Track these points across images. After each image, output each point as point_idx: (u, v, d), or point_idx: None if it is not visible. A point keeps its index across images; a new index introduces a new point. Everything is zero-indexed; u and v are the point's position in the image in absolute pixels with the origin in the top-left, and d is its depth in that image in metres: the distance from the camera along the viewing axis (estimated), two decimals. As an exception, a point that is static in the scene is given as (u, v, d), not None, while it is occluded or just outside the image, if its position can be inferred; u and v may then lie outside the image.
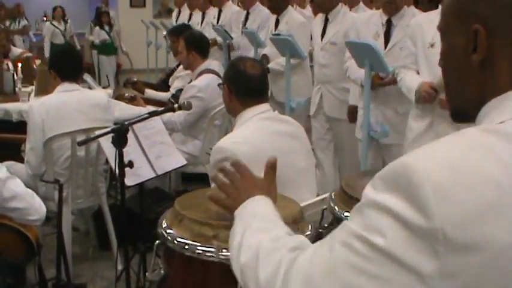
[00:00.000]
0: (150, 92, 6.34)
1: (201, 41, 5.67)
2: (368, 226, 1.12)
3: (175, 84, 6.31)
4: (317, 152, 5.66)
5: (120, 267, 4.09)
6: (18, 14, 14.47)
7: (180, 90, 5.79)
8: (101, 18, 13.39)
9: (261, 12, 7.86)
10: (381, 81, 4.59)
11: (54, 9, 13.92)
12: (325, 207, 2.55)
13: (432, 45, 3.93)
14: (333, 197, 2.49)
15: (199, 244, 1.80)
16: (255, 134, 3.06)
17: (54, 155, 4.42)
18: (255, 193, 1.65)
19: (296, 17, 6.52)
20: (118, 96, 5.89)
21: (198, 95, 5.24)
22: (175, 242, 1.84)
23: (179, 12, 11.26)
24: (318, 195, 3.06)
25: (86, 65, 13.76)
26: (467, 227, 1.03)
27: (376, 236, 1.09)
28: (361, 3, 7.50)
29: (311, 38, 6.20)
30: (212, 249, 1.78)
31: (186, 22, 10.04)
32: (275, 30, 6.59)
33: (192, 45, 5.50)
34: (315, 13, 6.45)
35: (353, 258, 1.12)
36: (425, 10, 4.75)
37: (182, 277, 1.87)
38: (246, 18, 8.01)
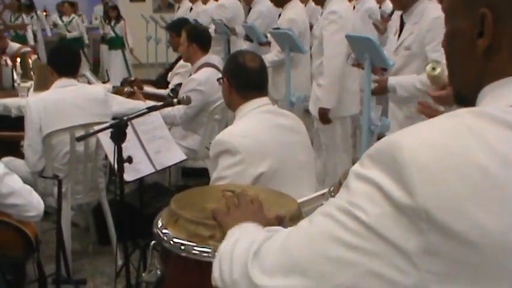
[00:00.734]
0: (148, 90, 6.34)
1: (203, 34, 5.66)
2: (353, 200, 1.11)
3: (174, 80, 6.29)
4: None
5: (120, 262, 4.09)
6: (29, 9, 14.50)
7: (179, 85, 5.77)
8: (109, 14, 13.40)
9: (263, 7, 7.86)
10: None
11: (62, 3, 13.97)
12: (323, 202, 2.53)
13: None
14: (331, 192, 2.47)
15: (195, 244, 1.78)
16: (255, 127, 3.06)
17: (53, 150, 4.41)
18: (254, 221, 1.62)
19: (287, 13, 6.45)
20: (117, 91, 5.88)
21: (198, 88, 5.22)
22: (171, 242, 1.83)
23: (179, 7, 11.30)
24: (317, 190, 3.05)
25: (94, 60, 13.83)
26: (450, 208, 1.03)
27: (360, 210, 1.09)
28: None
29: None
30: (208, 250, 1.76)
31: (186, 15, 10.06)
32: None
33: (194, 38, 5.49)
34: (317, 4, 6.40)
35: (334, 229, 1.12)
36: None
37: (178, 278, 1.85)
38: (249, 12, 8.04)
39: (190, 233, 1.81)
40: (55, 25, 15.00)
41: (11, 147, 4.86)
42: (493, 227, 1.03)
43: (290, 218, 1.87)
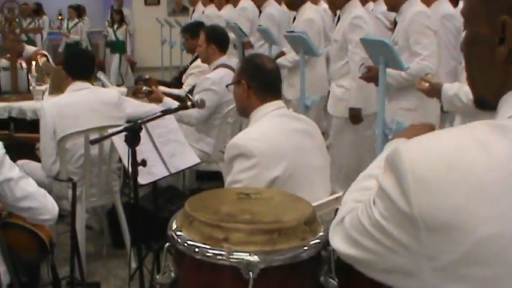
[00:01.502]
0: (163, 89, 6.32)
1: (222, 35, 5.69)
2: (373, 199, 1.23)
3: (188, 81, 6.30)
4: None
5: (133, 265, 4.10)
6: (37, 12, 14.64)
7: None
8: (113, 17, 13.51)
9: (274, 10, 7.89)
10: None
11: (71, 8, 14.14)
12: (338, 206, 2.52)
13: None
14: (346, 196, 2.46)
15: (209, 247, 1.77)
16: (271, 131, 3.04)
17: (67, 153, 4.42)
18: None
19: (305, 14, 6.49)
20: (135, 90, 5.89)
21: (212, 87, 5.24)
22: (185, 244, 1.82)
23: (194, 10, 11.35)
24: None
25: (100, 63, 13.91)
26: (445, 218, 1.07)
27: (374, 208, 1.22)
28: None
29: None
30: (222, 252, 1.76)
31: (200, 19, 10.10)
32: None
33: (213, 39, 5.50)
34: (331, 9, 6.45)
35: (360, 221, 1.28)
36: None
37: (193, 280, 1.84)
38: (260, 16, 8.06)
39: (204, 236, 1.80)
40: (59, 28, 15.18)
41: (26, 150, 4.88)
42: (487, 233, 1.06)
43: (305, 221, 1.86)
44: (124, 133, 3.41)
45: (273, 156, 2.91)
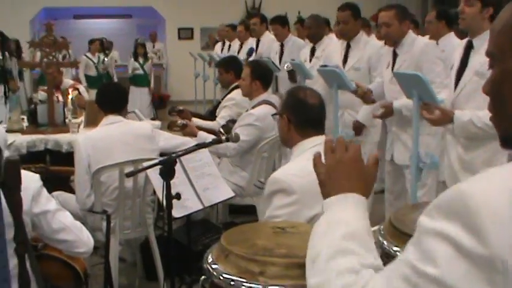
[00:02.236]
0: (197, 121, 6.35)
1: (266, 72, 5.74)
2: (422, 255, 1.09)
3: (222, 113, 6.32)
4: None
5: (166, 298, 4.09)
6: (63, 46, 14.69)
7: (231, 121, 5.81)
8: (137, 50, 13.63)
9: (295, 44, 8.00)
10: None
11: (92, 41, 14.10)
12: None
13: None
14: (381, 230, 2.44)
15: (245, 280, 1.77)
16: (312, 168, 3.00)
17: (102, 186, 4.45)
18: (351, 187, 1.57)
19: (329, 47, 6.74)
20: (170, 124, 5.93)
21: (255, 123, 5.26)
22: (221, 277, 1.82)
23: (223, 43, 11.54)
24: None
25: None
26: None
27: (429, 265, 1.07)
28: (372, 35, 7.66)
29: None
30: (259, 286, 1.75)
31: (226, 53, 10.27)
32: (311, 59, 6.92)
33: (257, 75, 5.53)
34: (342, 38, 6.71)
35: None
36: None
37: (228, 314, 1.85)
38: (282, 50, 8.15)
39: (240, 269, 1.80)
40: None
41: (61, 182, 4.93)
42: None
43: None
44: (159, 166, 3.44)
45: (313, 194, 2.86)
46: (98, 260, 4.76)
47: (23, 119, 6.62)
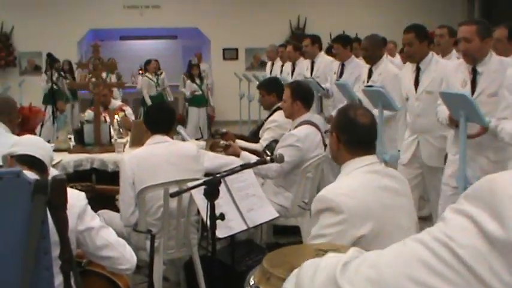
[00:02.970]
0: (240, 143, 6.36)
1: (307, 92, 5.73)
2: (447, 230, 1.10)
3: (265, 135, 6.32)
4: None
5: (210, 319, 4.08)
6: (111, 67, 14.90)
7: (274, 141, 5.81)
8: (192, 72, 13.77)
9: (358, 65, 7.90)
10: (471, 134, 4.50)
11: (148, 62, 14.27)
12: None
13: None
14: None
15: (286, 303, 1.76)
16: (361, 187, 2.95)
17: (146, 205, 4.48)
18: None
19: (390, 68, 6.62)
20: (213, 144, 5.96)
21: (297, 144, 5.25)
22: (262, 300, 1.82)
23: (272, 64, 11.53)
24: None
25: (179, 117, 14.15)
26: None
27: (453, 241, 1.08)
28: (453, 50, 7.39)
29: None
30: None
31: (278, 74, 10.25)
32: (368, 81, 6.65)
33: (298, 96, 5.54)
34: (405, 62, 6.49)
35: (424, 254, 1.10)
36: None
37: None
38: (342, 70, 8.07)
39: (282, 292, 1.79)
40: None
41: (107, 201, 4.98)
42: None
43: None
44: (203, 187, 3.45)
45: (361, 214, 2.84)
46: (141, 279, 4.78)
47: (70, 138, 6.73)
